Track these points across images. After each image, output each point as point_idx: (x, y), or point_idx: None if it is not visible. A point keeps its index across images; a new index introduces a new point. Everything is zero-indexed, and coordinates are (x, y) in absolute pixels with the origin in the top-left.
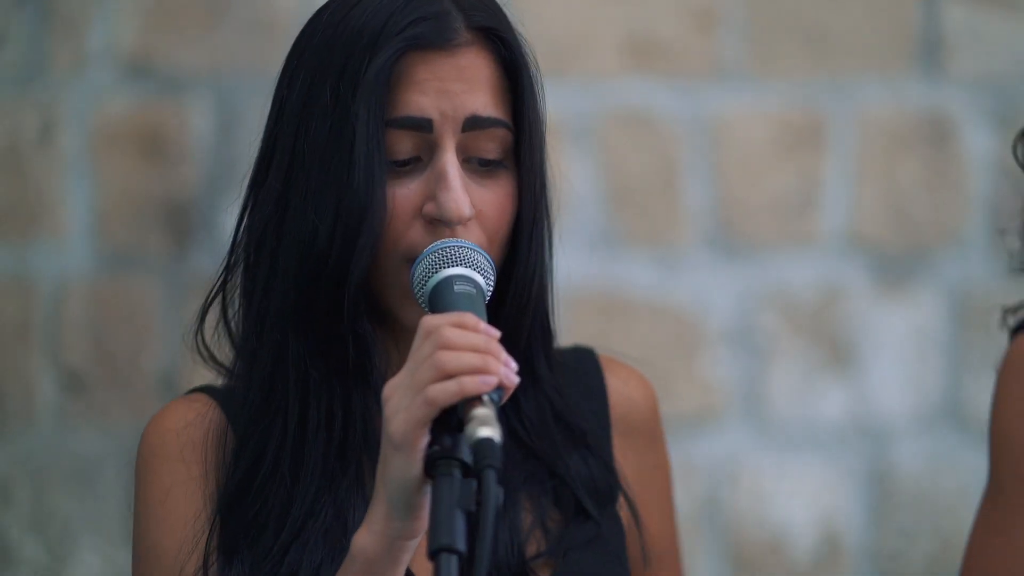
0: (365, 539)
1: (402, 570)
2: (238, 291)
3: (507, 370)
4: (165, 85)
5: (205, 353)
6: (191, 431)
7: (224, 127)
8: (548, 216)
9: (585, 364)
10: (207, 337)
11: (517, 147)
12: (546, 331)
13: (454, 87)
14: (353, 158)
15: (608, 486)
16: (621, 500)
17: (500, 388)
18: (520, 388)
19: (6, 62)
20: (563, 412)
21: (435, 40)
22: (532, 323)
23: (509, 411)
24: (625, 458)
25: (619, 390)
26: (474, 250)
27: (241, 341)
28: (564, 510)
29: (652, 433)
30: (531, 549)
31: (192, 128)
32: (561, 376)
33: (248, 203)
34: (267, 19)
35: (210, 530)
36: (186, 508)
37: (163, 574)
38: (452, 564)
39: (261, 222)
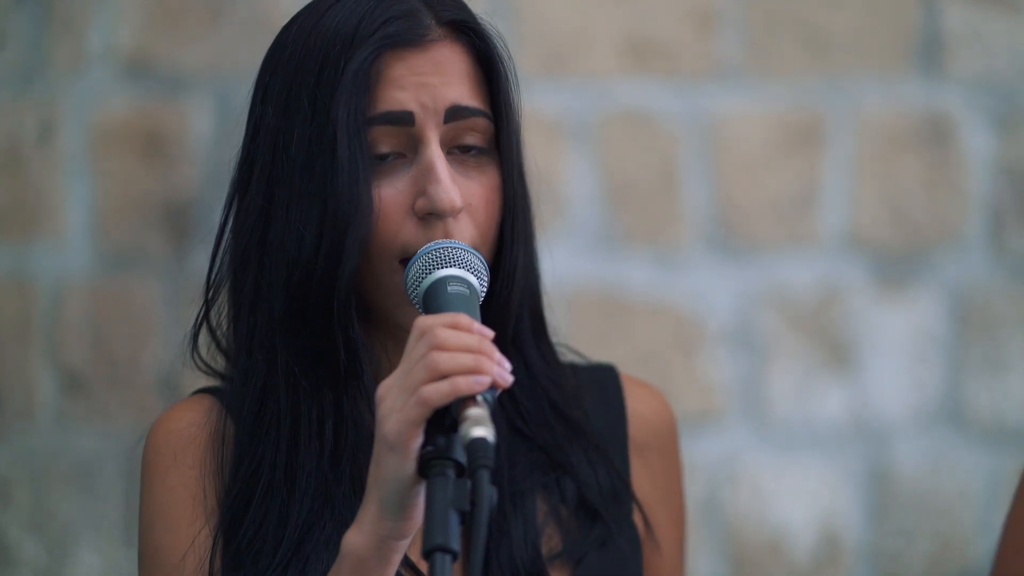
0: (356, 538)
1: (393, 570)
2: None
3: (501, 370)
4: (165, 85)
5: (204, 368)
6: (195, 432)
7: (224, 127)
8: (528, 206)
9: (606, 381)
10: (203, 352)
11: (497, 137)
12: (537, 321)
13: (432, 80)
14: (336, 160)
15: (613, 486)
16: (635, 511)
17: (494, 388)
18: (516, 381)
19: (6, 62)
20: (559, 403)
21: (409, 38)
22: (522, 315)
23: (508, 405)
24: (640, 477)
25: (638, 409)
26: (467, 251)
27: (233, 358)
28: (569, 503)
29: (668, 454)
30: (546, 545)
31: (192, 128)
32: (556, 368)
33: (228, 221)
34: (267, 19)
35: (212, 548)
36: (190, 509)
37: (167, 573)
38: (447, 564)
39: (244, 238)
